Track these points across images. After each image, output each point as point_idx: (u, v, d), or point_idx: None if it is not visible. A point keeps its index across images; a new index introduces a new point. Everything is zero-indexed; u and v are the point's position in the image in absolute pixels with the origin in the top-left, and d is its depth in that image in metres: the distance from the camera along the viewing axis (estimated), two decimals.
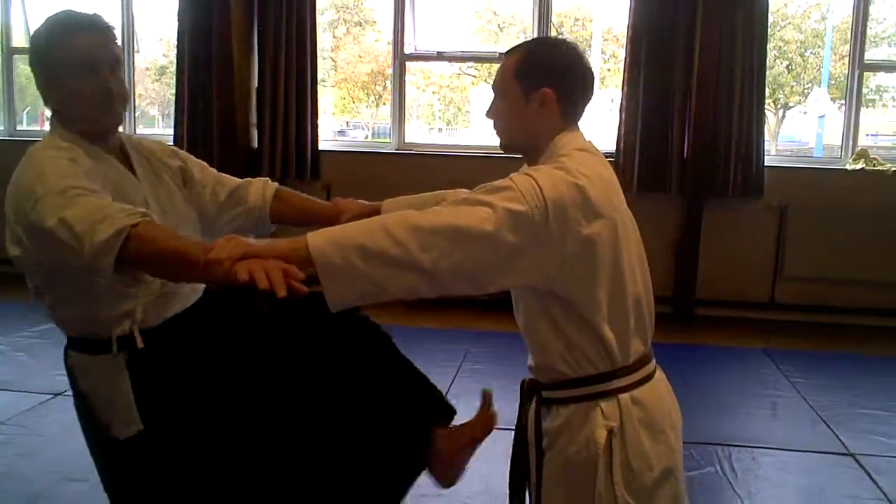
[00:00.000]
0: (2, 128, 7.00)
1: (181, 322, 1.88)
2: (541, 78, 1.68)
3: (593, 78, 1.75)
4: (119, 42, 1.83)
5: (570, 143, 1.68)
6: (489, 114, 1.78)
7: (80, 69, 1.76)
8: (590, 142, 1.73)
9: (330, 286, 1.46)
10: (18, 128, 7.06)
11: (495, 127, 1.78)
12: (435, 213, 1.53)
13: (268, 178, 2.16)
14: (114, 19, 6.48)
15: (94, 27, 1.80)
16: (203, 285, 1.93)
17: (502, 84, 1.73)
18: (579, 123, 1.75)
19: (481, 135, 8.94)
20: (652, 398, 1.68)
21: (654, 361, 1.74)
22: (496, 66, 1.78)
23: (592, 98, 1.75)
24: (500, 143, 1.78)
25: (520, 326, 1.75)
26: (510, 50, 1.76)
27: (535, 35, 6.13)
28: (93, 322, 1.79)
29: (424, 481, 2.21)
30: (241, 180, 2.11)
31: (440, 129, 9.36)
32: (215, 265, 1.45)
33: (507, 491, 1.86)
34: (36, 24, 1.84)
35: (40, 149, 1.77)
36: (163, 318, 1.84)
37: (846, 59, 6.17)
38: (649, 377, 1.70)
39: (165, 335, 1.84)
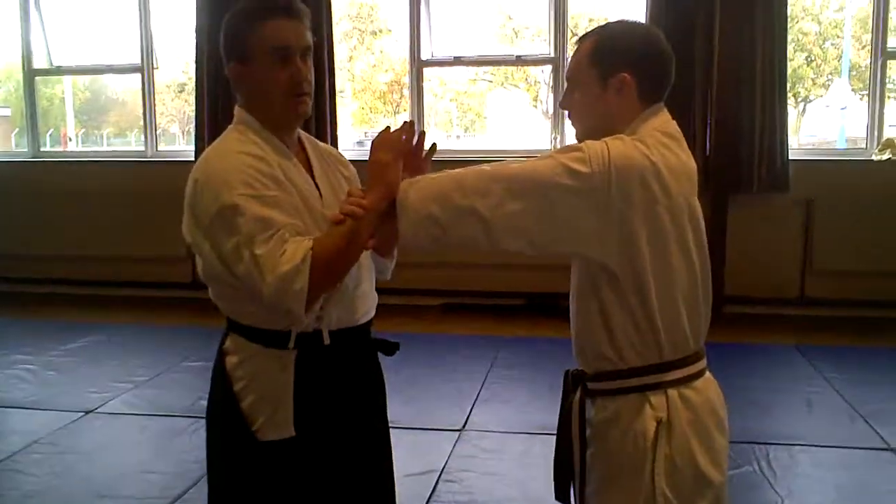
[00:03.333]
0: (26, 149, 7.08)
1: (351, 336, 1.84)
2: (618, 63, 1.61)
3: (672, 60, 1.67)
4: (310, 28, 1.77)
5: (652, 125, 1.63)
6: (563, 104, 1.73)
7: (270, 56, 1.72)
8: (675, 125, 1.66)
9: (404, 224, 1.59)
10: (42, 149, 7.14)
11: (570, 117, 1.73)
12: (502, 164, 1.56)
13: None
14: (132, 35, 6.56)
15: (286, 12, 1.74)
16: (373, 297, 1.92)
17: (577, 72, 1.67)
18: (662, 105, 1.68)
19: (499, 140, 8.94)
20: (700, 397, 1.64)
21: (704, 361, 1.70)
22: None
23: (672, 81, 1.69)
24: (577, 134, 1.71)
25: (571, 314, 1.72)
26: (583, 36, 1.71)
27: (551, 37, 6.13)
28: (271, 315, 1.71)
29: (455, 489, 2.17)
30: None
31: (458, 136, 9.35)
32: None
33: (544, 495, 1.84)
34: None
35: (231, 142, 1.77)
36: (343, 323, 1.80)
37: (867, 49, 6.09)
38: (698, 375, 1.66)
39: (340, 344, 1.80)
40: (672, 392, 1.61)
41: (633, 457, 1.60)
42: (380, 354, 1.95)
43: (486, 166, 1.58)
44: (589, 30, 1.72)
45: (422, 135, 1.79)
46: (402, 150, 1.67)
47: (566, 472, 1.77)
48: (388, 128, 1.69)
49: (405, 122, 1.72)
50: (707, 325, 1.69)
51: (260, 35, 1.73)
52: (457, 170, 1.61)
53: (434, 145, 1.83)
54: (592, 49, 1.65)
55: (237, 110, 1.83)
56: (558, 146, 6.07)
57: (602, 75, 1.63)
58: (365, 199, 1.60)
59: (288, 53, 1.72)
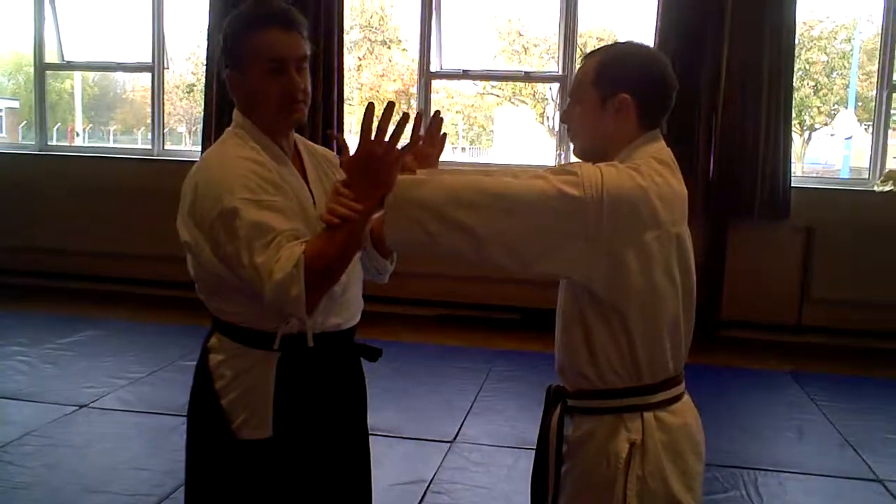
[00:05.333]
0: (33, 143, 7.11)
1: (335, 340, 1.85)
2: (620, 83, 1.63)
3: (675, 86, 1.68)
4: (306, 36, 1.76)
5: (648, 151, 1.64)
6: (564, 118, 1.74)
7: (264, 68, 1.72)
8: (669, 153, 1.67)
9: (390, 224, 1.59)
10: (49, 143, 7.17)
11: (569, 132, 1.75)
12: (495, 179, 1.56)
13: None
14: (144, 36, 6.61)
15: (282, 23, 1.73)
16: (359, 303, 1.93)
17: (579, 88, 1.69)
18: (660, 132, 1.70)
19: (505, 154, 8.98)
20: (676, 421, 1.65)
21: (683, 385, 1.71)
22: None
23: (672, 107, 1.69)
24: (574, 150, 1.74)
25: (556, 330, 1.74)
26: (589, 54, 1.71)
27: (560, 55, 6.17)
28: (257, 315, 1.73)
29: (442, 501, 2.18)
30: None
31: (463, 149, 9.40)
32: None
33: None
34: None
35: (230, 146, 1.77)
36: (323, 326, 1.80)
37: (873, 80, 6.12)
38: (676, 399, 1.67)
39: (324, 347, 1.80)
40: (648, 415, 1.62)
41: (606, 476, 1.61)
42: (364, 361, 1.96)
43: (481, 177, 1.57)
44: (596, 47, 1.73)
45: (437, 115, 1.82)
46: (395, 142, 1.58)
47: (542, 486, 1.78)
48: (372, 105, 1.57)
49: (406, 115, 1.62)
50: (688, 350, 1.71)
51: (254, 46, 1.73)
52: (452, 176, 1.60)
53: (438, 113, 1.86)
54: (596, 67, 1.66)
55: (236, 114, 1.84)
56: (563, 162, 6.11)
57: (603, 94, 1.64)
58: (359, 204, 1.55)
59: (282, 66, 1.73)
